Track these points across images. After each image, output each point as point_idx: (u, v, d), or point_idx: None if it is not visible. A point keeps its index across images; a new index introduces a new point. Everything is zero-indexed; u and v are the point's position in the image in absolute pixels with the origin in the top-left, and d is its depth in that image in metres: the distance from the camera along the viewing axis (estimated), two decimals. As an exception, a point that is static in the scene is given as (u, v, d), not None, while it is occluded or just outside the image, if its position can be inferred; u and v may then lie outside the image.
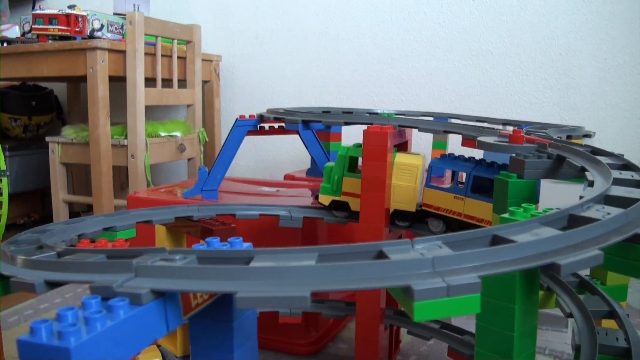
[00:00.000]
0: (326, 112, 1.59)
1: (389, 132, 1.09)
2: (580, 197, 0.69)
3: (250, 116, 1.45)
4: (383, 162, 1.09)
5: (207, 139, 2.24)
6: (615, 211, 0.59)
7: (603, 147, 1.01)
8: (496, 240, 0.53)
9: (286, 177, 1.88)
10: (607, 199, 0.67)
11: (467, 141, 1.12)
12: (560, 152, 0.94)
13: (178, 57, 2.06)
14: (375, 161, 1.09)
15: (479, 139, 1.02)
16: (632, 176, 0.76)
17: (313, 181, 1.77)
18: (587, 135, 1.45)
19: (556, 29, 2.02)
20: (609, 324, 0.93)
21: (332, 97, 2.29)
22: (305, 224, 1.21)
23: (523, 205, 0.67)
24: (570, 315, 0.89)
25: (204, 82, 2.26)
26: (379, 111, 1.79)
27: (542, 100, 2.07)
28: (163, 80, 1.99)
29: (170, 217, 1.05)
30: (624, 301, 1.03)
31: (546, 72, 2.05)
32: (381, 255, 0.47)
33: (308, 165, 2.23)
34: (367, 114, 1.69)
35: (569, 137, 1.36)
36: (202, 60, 2.18)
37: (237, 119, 1.45)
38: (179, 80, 2.08)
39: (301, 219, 1.18)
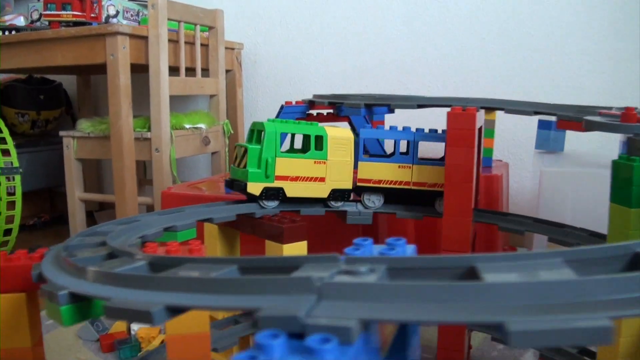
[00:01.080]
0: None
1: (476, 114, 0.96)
2: None
3: (297, 102, 1.31)
4: (470, 147, 0.96)
5: (232, 131, 2.09)
6: None
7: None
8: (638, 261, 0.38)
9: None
10: None
11: (565, 122, 0.99)
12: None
13: (200, 45, 1.92)
14: (461, 147, 0.96)
15: (586, 118, 0.89)
16: None
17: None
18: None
19: (600, 10, 1.89)
20: None
21: (362, 84, 2.14)
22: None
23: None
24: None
25: (227, 72, 2.12)
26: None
27: (585, 84, 1.94)
28: (186, 69, 1.84)
29: (231, 215, 0.91)
30: None
31: (590, 55, 1.92)
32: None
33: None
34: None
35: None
36: (225, 48, 2.03)
37: (282, 105, 1.32)
38: (201, 70, 1.93)
39: (370, 214, 1.05)
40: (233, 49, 2.17)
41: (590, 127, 0.89)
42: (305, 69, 2.24)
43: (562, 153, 1.71)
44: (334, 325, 0.27)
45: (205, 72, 1.98)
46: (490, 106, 1.05)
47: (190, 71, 1.88)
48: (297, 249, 0.91)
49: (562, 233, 1.04)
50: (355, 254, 0.40)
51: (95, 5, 1.75)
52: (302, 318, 0.28)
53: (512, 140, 2.03)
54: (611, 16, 1.88)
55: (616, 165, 0.83)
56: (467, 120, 0.95)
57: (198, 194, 1.32)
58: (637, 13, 1.85)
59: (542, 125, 1.71)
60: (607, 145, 1.91)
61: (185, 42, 1.84)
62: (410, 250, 0.42)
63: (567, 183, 1.39)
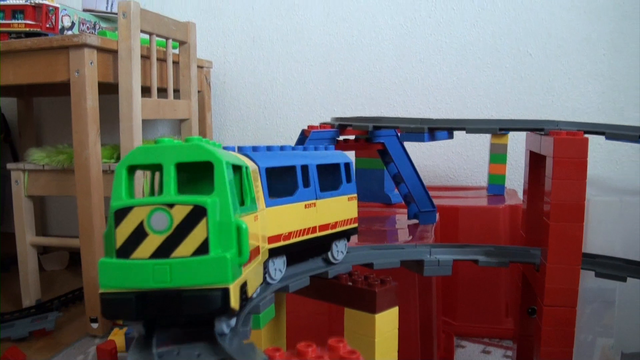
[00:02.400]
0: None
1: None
2: None
3: (322, 126, 1.10)
4: (582, 180, 0.78)
5: (208, 161, 1.84)
6: None
7: None
8: None
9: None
10: None
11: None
12: None
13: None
14: (571, 179, 0.78)
15: None
16: None
17: (371, 206, 1.43)
18: None
19: (598, 28, 1.79)
20: None
21: (345, 108, 1.95)
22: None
23: None
24: None
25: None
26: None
27: (586, 105, 1.83)
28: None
29: (305, 278, 0.68)
30: None
31: (589, 75, 1.82)
32: None
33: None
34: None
35: None
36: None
37: (303, 130, 1.11)
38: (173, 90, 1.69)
39: (451, 262, 0.84)
40: (202, 67, 1.94)
41: None
42: (281, 90, 2.02)
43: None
44: None
45: (176, 93, 1.73)
46: (591, 130, 0.88)
47: (160, 92, 1.64)
48: (390, 318, 0.70)
49: (667, 278, 0.88)
50: None
51: (51, 14, 1.49)
52: None
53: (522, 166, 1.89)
54: (610, 36, 1.79)
55: None
56: (579, 148, 0.77)
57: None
58: (636, 32, 1.76)
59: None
60: (619, 169, 1.81)
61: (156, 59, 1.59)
62: None
63: (617, 213, 1.24)
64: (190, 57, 1.74)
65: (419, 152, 1.89)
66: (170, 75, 1.66)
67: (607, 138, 0.88)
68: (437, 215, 1.24)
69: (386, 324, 0.69)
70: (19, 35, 1.47)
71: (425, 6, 1.88)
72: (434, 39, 1.88)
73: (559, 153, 0.78)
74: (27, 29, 1.47)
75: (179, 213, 0.45)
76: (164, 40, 1.64)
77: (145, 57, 1.55)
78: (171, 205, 0.45)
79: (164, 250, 0.44)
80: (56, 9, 1.51)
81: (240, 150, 0.68)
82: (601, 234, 1.25)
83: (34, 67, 1.42)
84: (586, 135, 0.80)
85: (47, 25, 1.50)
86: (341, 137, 1.14)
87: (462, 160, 1.89)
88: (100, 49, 1.42)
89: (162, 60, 1.65)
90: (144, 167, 0.50)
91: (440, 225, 1.35)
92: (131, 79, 1.44)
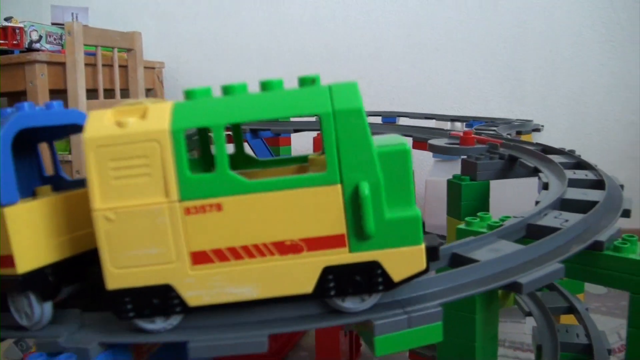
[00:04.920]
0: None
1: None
2: (537, 203, 0.68)
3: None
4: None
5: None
6: (573, 218, 0.58)
7: (552, 141, 1.03)
8: (456, 259, 0.52)
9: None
10: (564, 204, 0.66)
11: (418, 144, 1.12)
12: (512, 152, 0.95)
13: (119, 66, 2.00)
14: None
15: (429, 142, 1.02)
16: (587, 175, 0.76)
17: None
18: (537, 130, 1.47)
19: (499, 23, 2.03)
20: (568, 319, 0.93)
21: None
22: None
23: (479, 214, 0.66)
24: (529, 314, 0.88)
25: (148, 90, 2.21)
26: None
27: (490, 94, 2.09)
28: (105, 90, 1.93)
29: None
30: (582, 293, 1.02)
31: (492, 66, 2.07)
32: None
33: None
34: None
35: (518, 132, 1.37)
36: (145, 67, 2.12)
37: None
38: (121, 90, 2.02)
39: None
40: (154, 68, 2.26)
41: (432, 150, 1.03)
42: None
43: (458, 160, 1.85)
44: (77, 347, 0.39)
45: (125, 92, 2.06)
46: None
47: (110, 92, 1.97)
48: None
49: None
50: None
51: (17, 32, 1.82)
52: (60, 342, 0.39)
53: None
54: (511, 29, 2.02)
55: (449, 184, 0.96)
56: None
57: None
58: (534, 26, 2.00)
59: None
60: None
61: (105, 65, 1.92)
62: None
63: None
64: (137, 61, 2.07)
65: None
66: (117, 78, 1.99)
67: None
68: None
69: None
70: (-9, 52, 1.82)
71: (342, 7, 2.17)
72: (349, 37, 2.16)
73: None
74: (-2, 47, 1.81)
75: None
76: (111, 48, 1.97)
77: (94, 65, 1.89)
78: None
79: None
80: (21, 28, 1.84)
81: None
82: (436, 210, 1.52)
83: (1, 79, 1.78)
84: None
85: (14, 42, 1.84)
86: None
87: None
88: (49, 63, 1.76)
89: (111, 65, 1.98)
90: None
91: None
92: (76, 86, 1.78)
